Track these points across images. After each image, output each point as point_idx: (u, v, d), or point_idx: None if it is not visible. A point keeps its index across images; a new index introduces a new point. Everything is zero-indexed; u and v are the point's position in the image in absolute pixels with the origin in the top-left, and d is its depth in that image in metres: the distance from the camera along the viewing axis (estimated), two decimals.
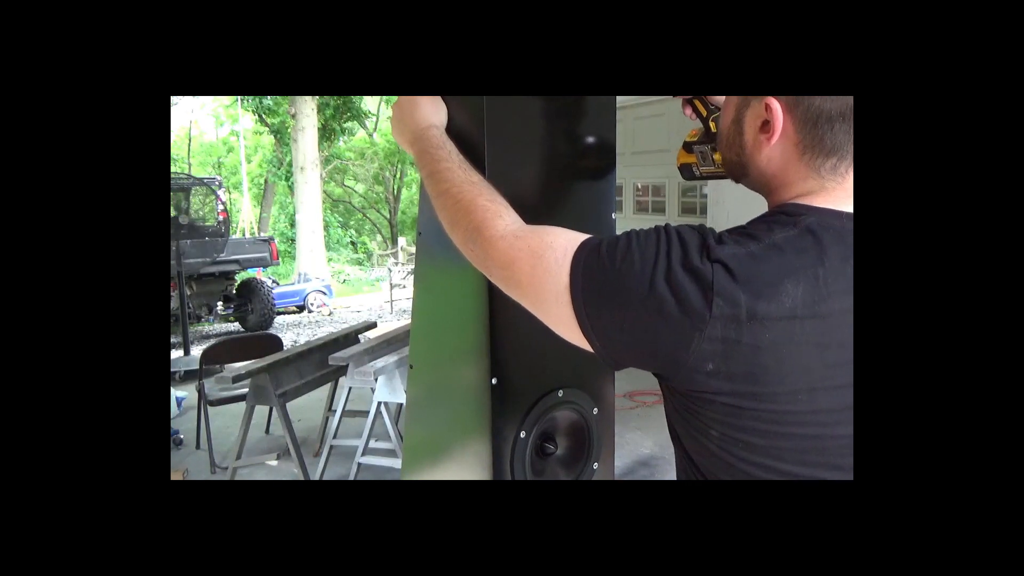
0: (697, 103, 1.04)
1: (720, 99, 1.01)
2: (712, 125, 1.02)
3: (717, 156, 1.00)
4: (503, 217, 0.86)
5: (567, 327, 0.73)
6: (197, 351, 5.70)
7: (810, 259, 0.65)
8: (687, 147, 1.09)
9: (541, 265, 0.75)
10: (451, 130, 1.14)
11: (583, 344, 0.73)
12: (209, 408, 4.04)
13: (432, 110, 1.07)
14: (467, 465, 1.52)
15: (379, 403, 3.42)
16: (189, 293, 7.75)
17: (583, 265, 0.72)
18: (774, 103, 0.69)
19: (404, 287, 11.59)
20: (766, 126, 0.71)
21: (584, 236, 0.76)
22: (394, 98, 1.12)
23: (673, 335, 0.66)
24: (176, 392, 4.99)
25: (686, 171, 1.10)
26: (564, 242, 0.75)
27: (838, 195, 0.69)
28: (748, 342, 0.63)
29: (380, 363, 3.39)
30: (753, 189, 0.79)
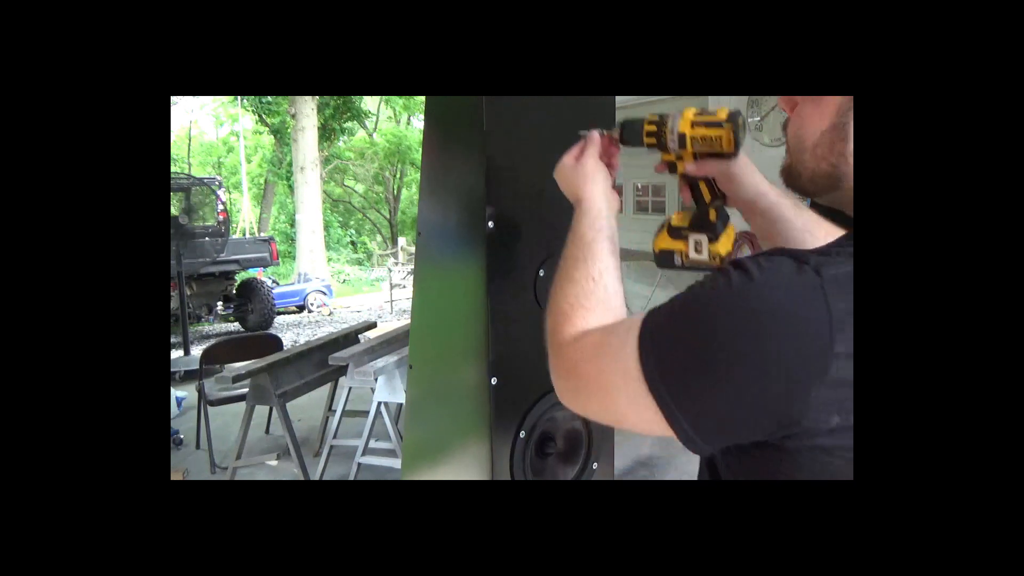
0: (703, 186, 0.92)
1: (745, 180, 0.91)
2: (713, 213, 0.92)
3: (715, 248, 0.91)
4: (574, 321, 0.74)
5: (643, 415, 0.61)
6: (197, 351, 5.70)
7: None
8: (675, 232, 0.95)
9: (604, 354, 0.66)
10: (452, 133, 1.14)
11: (665, 431, 0.60)
12: (209, 408, 4.04)
13: (608, 182, 0.93)
14: (467, 465, 1.52)
15: (379, 403, 3.42)
16: (189, 293, 7.76)
17: (652, 333, 0.61)
18: None
19: (404, 287, 11.59)
20: None
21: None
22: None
23: (786, 387, 0.54)
24: (176, 392, 4.99)
25: (665, 258, 0.97)
26: (628, 322, 0.65)
27: None
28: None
29: (380, 363, 3.40)
30: (836, 206, 0.68)
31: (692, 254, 0.95)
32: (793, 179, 0.70)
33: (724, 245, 0.93)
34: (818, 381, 0.53)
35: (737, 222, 0.95)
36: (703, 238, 0.93)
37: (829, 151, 0.65)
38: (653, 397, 0.60)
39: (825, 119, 0.66)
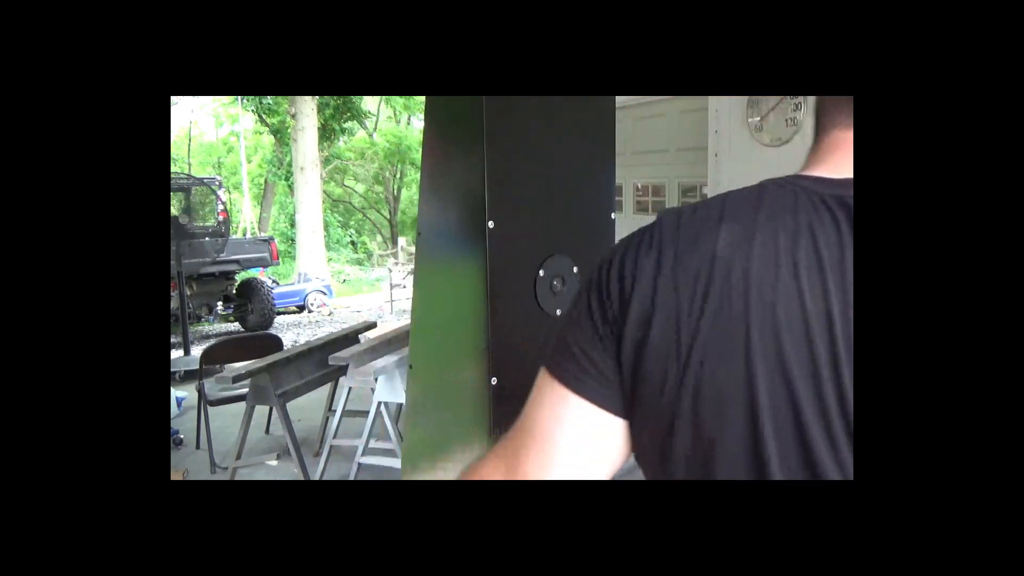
0: None
1: None
2: None
3: None
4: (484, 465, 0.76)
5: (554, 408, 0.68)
6: (197, 351, 5.70)
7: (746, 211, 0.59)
8: None
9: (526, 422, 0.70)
10: (452, 133, 1.14)
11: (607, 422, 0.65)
12: (209, 408, 4.04)
13: None
14: (467, 465, 1.53)
15: (379, 403, 3.42)
16: (189, 293, 7.76)
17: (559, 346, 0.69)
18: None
19: (404, 287, 11.59)
20: None
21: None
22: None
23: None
24: (176, 392, 5.00)
25: None
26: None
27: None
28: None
29: (380, 363, 3.40)
30: None
31: None
32: None
33: None
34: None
35: None
36: None
37: None
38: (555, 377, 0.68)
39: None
